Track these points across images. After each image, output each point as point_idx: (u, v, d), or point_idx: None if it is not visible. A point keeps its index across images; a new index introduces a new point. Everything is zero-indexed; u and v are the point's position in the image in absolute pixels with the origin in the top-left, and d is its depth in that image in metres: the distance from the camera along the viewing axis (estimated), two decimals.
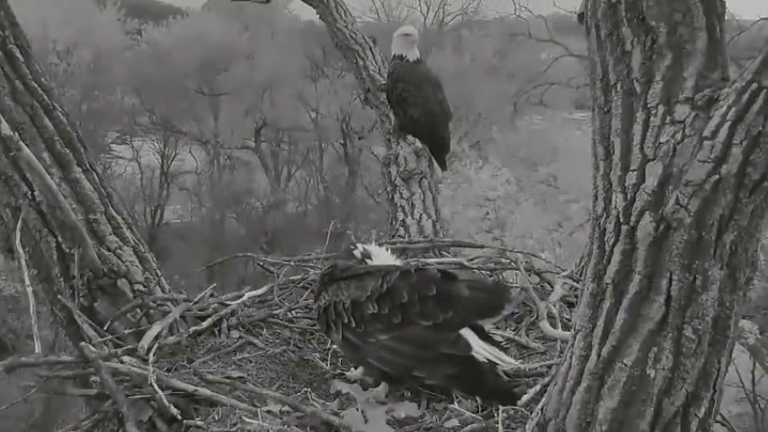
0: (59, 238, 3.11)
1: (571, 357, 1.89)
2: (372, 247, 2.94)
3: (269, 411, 2.44)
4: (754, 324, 10.45)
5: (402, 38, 4.99)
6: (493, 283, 2.68)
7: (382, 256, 2.89)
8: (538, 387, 2.54)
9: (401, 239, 4.55)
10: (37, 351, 2.70)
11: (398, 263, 2.96)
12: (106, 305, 3.16)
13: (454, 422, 2.46)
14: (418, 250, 4.25)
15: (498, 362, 2.60)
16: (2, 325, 14.93)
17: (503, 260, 4.03)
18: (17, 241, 2.96)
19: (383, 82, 5.46)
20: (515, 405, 2.46)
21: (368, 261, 2.83)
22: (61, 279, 3.14)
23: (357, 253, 2.86)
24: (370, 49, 5.93)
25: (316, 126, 25.04)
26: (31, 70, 3.20)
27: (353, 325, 2.61)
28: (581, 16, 1.88)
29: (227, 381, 2.67)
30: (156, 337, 2.91)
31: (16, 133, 2.77)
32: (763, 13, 12.41)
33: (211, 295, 3.47)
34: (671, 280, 1.68)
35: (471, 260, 3.98)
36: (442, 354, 2.53)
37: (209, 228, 23.97)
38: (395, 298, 2.54)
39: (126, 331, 3.07)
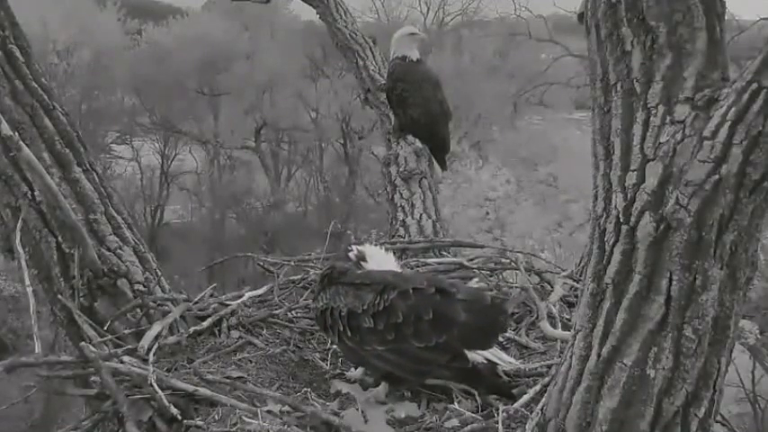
0: (59, 238, 3.11)
1: (571, 357, 1.89)
2: (368, 248, 2.91)
3: (269, 411, 2.44)
4: (754, 324, 10.45)
5: (408, 38, 4.98)
6: (492, 303, 2.65)
7: (378, 257, 2.87)
8: (538, 387, 2.54)
9: (401, 239, 4.54)
10: (37, 351, 2.69)
11: (396, 264, 2.94)
12: (106, 305, 3.15)
13: (454, 422, 2.46)
14: (418, 250, 4.25)
15: (498, 362, 2.60)
16: (2, 325, 14.92)
17: (503, 260, 4.03)
18: (17, 241, 2.96)
19: (383, 82, 5.45)
20: (515, 405, 2.46)
21: (363, 263, 2.82)
22: (61, 279, 3.14)
23: (352, 255, 2.85)
24: (370, 49, 5.93)
25: (316, 126, 24.99)
26: (31, 70, 3.19)
27: (349, 334, 2.62)
28: (581, 16, 1.88)
29: (227, 381, 2.67)
30: (156, 337, 2.91)
31: (16, 133, 2.76)
32: (763, 13, 12.39)
33: (211, 295, 3.47)
34: (671, 280, 1.68)
35: (471, 260, 3.98)
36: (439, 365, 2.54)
37: (209, 228, 23.96)
38: (390, 317, 2.53)
39: (126, 331, 3.07)
